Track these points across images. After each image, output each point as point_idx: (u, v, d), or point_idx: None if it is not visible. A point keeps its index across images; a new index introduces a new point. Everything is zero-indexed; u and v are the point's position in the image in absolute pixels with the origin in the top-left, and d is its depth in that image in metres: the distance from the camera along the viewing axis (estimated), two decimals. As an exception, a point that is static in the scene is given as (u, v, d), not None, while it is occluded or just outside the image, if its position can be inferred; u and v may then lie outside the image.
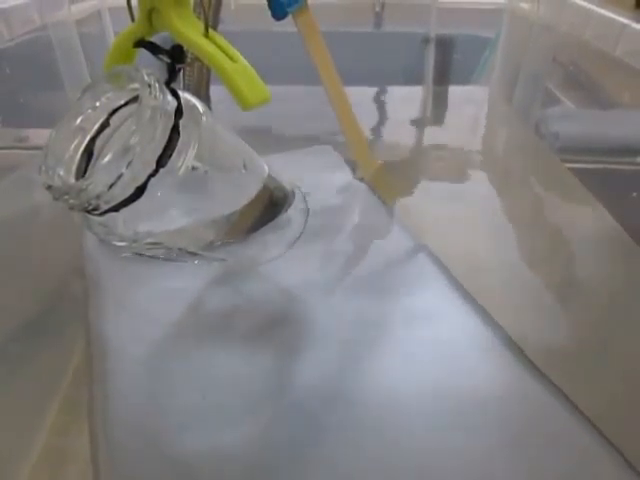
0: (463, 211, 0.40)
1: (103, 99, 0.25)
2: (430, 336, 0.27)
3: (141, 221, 0.23)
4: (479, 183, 0.44)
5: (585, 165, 0.48)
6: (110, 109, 0.25)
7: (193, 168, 0.23)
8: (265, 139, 0.50)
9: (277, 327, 0.28)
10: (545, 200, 0.42)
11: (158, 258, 0.27)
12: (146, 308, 0.30)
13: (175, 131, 0.22)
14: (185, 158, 0.22)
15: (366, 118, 0.54)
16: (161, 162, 0.22)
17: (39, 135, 0.56)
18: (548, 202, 0.42)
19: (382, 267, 0.32)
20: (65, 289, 0.35)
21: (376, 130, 0.54)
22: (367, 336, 0.27)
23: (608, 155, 0.49)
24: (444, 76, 0.68)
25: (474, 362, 0.26)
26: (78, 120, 0.24)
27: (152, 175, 0.22)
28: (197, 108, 0.24)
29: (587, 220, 0.40)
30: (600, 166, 0.49)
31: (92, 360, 0.27)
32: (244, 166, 0.26)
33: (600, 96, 0.65)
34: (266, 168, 0.27)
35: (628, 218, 0.38)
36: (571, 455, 0.21)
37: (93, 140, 0.25)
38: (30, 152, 0.53)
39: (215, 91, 0.42)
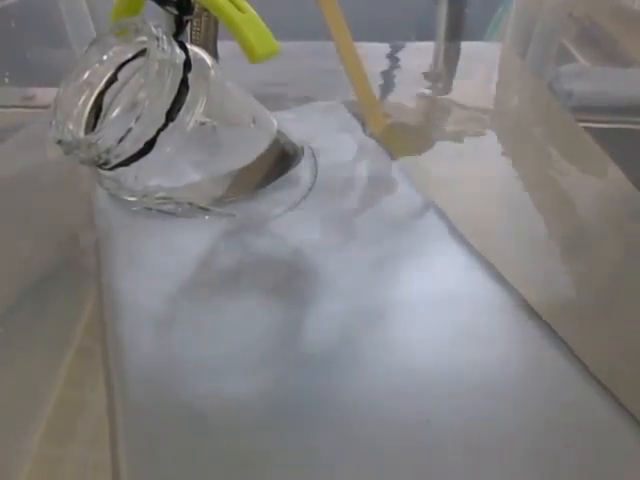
0: (473, 168, 0.40)
1: (110, 53, 0.24)
2: (440, 292, 0.27)
3: (151, 176, 0.23)
4: (490, 141, 0.44)
5: (599, 124, 0.47)
6: (117, 63, 0.24)
7: (202, 123, 0.23)
8: (273, 96, 0.50)
9: (286, 281, 0.29)
10: (557, 158, 0.42)
11: (168, 213, 0.27)
12: (156, 262, 0.30)
13: (184, 85, 0.22)
14: (194, 112, 0.22)
15: (376, 74, 0.54)
16: (170, 116, 0.22)
17: (46, 94, 0.55)
18: (560, 160, 0.41)
19: (391, 224, 0.32)
20: (76, 244, 0.35)
21: (386, 86, 0.53)
22: (376, 291, 0.28)
23: (623, 114, 0.48)
24: (456, 32, 0.67)
25: (485, 320, 0.26)
26: (86, 75, 0.24)
27: (161, 129, 0.22)
28: (205, 62, 0.24)
29: (599, 179, 0.40)
30: (615, 125, 0.48)
31: (104, 312, 0.27)
32: (253, 121, 0.26)
33: (617, 53, 0.63)
34: (275, 123, 0.27)
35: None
36: (586, 420, 0.22)
37: (101, 95, 0.24)
38: (37, 111, 0.53)
39: (222, 47, 0.41)
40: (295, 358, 0.24)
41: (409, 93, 0.51)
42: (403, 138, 0.43)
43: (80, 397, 0.26)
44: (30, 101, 0.55)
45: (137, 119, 0.21)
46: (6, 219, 0.37)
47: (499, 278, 0.28)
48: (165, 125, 0.21)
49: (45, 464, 0.23)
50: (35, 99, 0.55)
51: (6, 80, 0.57)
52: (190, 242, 0.31)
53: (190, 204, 0.26)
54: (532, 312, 0.26)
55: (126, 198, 0.24)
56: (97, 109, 0.24)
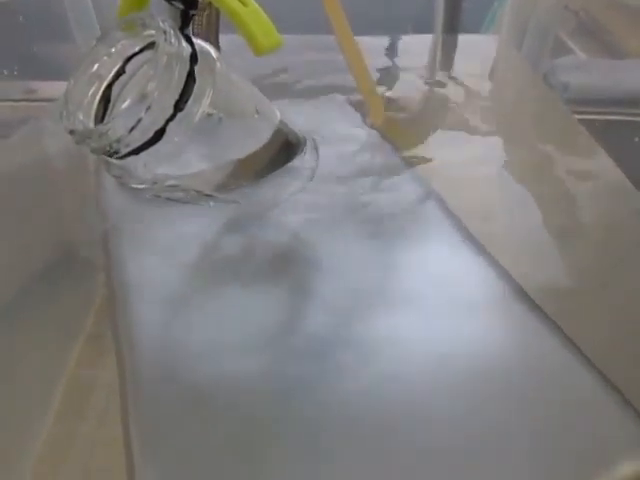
0: (471, 159, 0.41)
1: (118, 46, 0.25)
2: (439, 279, 0.28)
3: (160, 165, 0.24)
4: (487, 132, 0.44)
5: (595, 116, 0.48)
6: (125, 56, 0.25)
7: (208, 114, 0.24)
8: (275, 88, 0.50)
9: (289, 268, 0.29)
10: (553, 150, 0.42)
11: (175, 200, 0.28)
12: (163, 249, 0.31)
13: (191, 77, 0.23)
14: (201, 104, 0.23)
15: (375, 67, 0.54)
16: (178, 107, 0.22)
17: (49, 87, 0.56)
18: (556, 152, 0.42)
19: (392, 212, 0.33)
20: (81, 235, 0.36)
21: (386, 79, 0.53)
22: (377, 279, 0.28)
23: (619, 106, 0.49)
24: (454, 25, 0.67)
25: (484, 309, 0.26)
26: (94, 67, 0.25)
27: (170, 119, 0.22)
28: (211, 55, 0.24)
29: (594, 171, 0.40)
30: (611, 117, 0.48)
31: (114, 299, 0.28)
32: (257, 112, 0.27)
33: (613, 45, 0.64)
34: (278, 114, 0.28)
35: (635, 168, 0.39)
36: (572, 397, 0.22)
37: (110, 86, 0.25)
38: (40, 104, 0.54)
39: (224, 40, 0.42)
40: (298, 342, 0.25)
41: (408, 85, 0.52)
42: (403, 129, 0.44)
43: (91, 377, 0.26)
44: (33, 94, 0.56)
45: (147, 109, 0.22)
46: (11, 211, 0.37)
47: (498, 266, 0.28)
48: (173, 115, 0.22)
49: (57, 442, 0.24)
50: (38, 92, 0.56)
51: (15, 73, 0.58)
52: (196, 229, 0.32)
53: (196, 191, 0.27)
54: (530, 301, 0.26)
55: (135, 186, 0.25)
56: (105, 100, 0.25)
